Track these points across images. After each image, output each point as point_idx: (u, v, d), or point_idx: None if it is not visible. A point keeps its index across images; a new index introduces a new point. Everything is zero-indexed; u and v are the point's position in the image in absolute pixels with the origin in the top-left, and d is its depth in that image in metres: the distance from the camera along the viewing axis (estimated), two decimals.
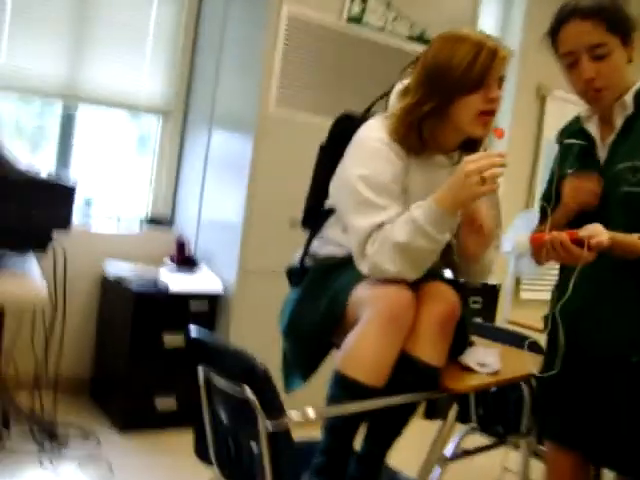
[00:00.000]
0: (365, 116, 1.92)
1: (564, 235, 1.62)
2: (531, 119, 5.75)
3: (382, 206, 1.74)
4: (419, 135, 1.77)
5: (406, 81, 1.86)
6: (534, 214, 4.57)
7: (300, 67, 3.30)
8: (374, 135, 1.79)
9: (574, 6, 1.76)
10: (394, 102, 1.86)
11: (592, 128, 1.86)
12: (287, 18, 3.22)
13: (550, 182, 1.99)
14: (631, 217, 1.72)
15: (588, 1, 1.76)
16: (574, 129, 1.94)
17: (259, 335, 2.79)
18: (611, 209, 1.75)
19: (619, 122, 1.79)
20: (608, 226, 1.67)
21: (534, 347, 2.08)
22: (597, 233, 1.60)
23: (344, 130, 1.90)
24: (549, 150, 5.75)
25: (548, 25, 1.82)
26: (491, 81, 1.74)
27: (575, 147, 1.91)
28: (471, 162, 1.65)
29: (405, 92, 1.83)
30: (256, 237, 3.27)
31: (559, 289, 1.92)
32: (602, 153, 1.83)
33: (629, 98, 1.78)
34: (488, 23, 5.49)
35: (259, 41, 3.25)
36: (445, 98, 1.74)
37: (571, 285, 1.70)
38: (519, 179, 5.72)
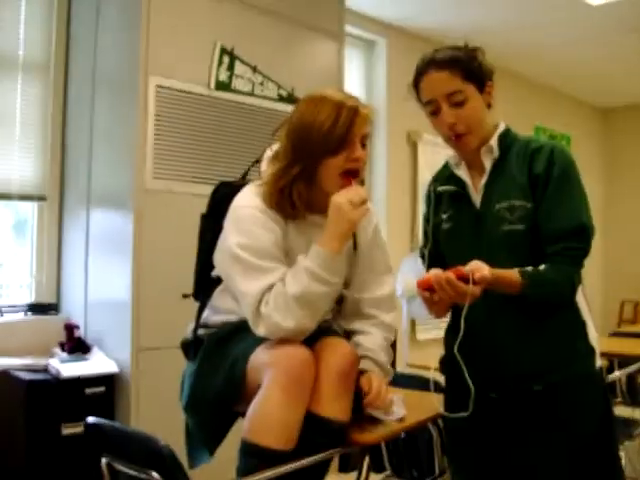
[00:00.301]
0: (242, 183, 1.94)
1: (449, 273, 1.67)
2: (405, 165, 5.93)
3: (268, 269, 1.76)
4: (291, 200, 1.81)
5: (275, 146, 1.90)
6: (419, 257, 4.67)
7: (174, 137, 3.30)
8: (248, 203, 1.82)
9: (431, 58, 1.87)
10: (265, 168, 1.90)
11: (462, 173, 1.94)
12: (156, 90, 3.22)
13: (426, 229, 2.07)
14: (513, 254, 1.81)
15: (444, 53, 1.86)
16: (445, 175, 2.02)
17: (161, 413, 2.73)
18: (493, 248, 1.82)
19: (488, 165, 1.89)
20: (493, 265, 1.73)
21: (437, 387, 2.11)
22: (479, 268, 1.66)
23: (223, 197, 1.92)
24: (425, 191, 5.93)
25: (410, 75, 1.91)
26: (354, 140, 1.81)
27: (448, 193, 1.98)
28: (337, 196, 1.77)
29: (275, 157, 1.87)
30: (148, 313, 3.20)
31: (452, 330, 1.96)
32: (476, 196, 1.90)
33: (494, 142, 1.88)
34: (354, 77, 5.66)
35: (130, 115, 3.24)
36: (311, 160, 1.79)
37: (462, 323, 1.75)
38: (401, 223, 5.86)
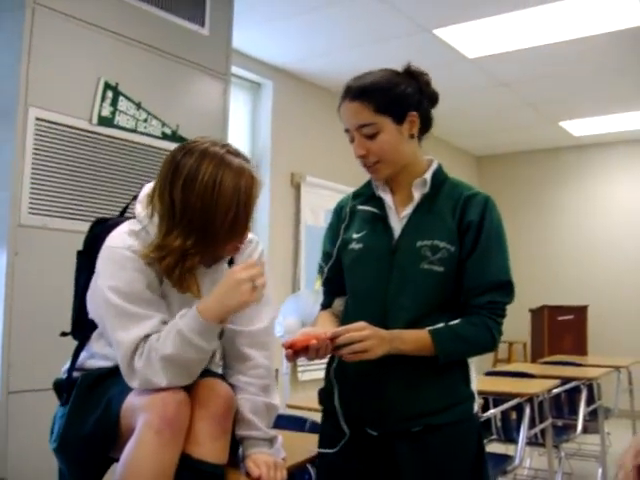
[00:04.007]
0: (119, 220, 1.87)
1: (328, 343, 1.67)
2: (288, 205, 5.99)
3: (143, 316, 1.69)
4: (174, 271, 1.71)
5: (151, 184, 1.81)
6: (301, 297, 4.69)
7: (52, 171, 3.20)
8: (121, 244, 1.73)
9: (348, 86, 1.84)
10: (140, 210, 1.79)
11: (387, 197, 1.91)
12: (35, 122, 3.12)
13: (331, 243, 2.02)
14: (422, 293, 1.80)
15: (360, 81, 1.83)
16: (367, 194, 1.98)
17: (34, 458, 2.59)
18: (403, 283, 1.81)
19: (417, 197, 1.86)
20: (399, 295, 1.77)
21: (316, 428, 2.11)
22: (359, 338, 1.66)
23: (99, 234, 1.83)
24: (308, 233, 6.01)
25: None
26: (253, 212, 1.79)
27: (366, 213, 1.95)
28: (241, 271, 1.67)
29: (160, 214, 1.73)
30: (20, 354, 3.05)
31: (337, 370, 1.96)
32: (396, 224, 1.87)
33: (429, 177, 1.86)
34: (239, 118, 5.69)
35: (6, 147, 3.12)
36: (211, 242, 1.72)
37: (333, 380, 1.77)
38: (284, 263, 5.89)
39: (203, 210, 1.67)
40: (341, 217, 2.02)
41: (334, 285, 2.02)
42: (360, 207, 1.97)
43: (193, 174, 1.68)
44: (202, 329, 1.65)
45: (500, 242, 1.84)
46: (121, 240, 1.74)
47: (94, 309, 1.82)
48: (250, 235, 1.92)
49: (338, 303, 2.01)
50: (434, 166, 1.92)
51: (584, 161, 8.57)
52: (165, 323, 1.72)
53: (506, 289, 1.81)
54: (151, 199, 1.75)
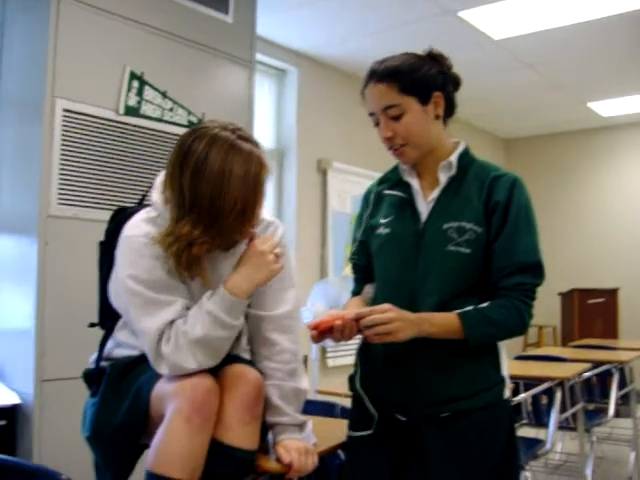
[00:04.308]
0: (138, 208, 1.88)
1: (353, 324, 1.67)
2: (315, 192, 5.98)
3: (165, 302, 1.71)
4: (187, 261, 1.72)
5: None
6: (329, 284, 4.70)
7: (80, 162, 3.23)
8: (138, 232, 1.74)
9: (373, 69, 1.84)
10: (156, 198, 1.81)
11: (413, 181, 1.90)
12: (62, 113, 3.15)
13: (359, 230, 2.02)
14: (450, 275, 1.79)
15: (385, 63, 1.83)
16: (393, 179, 1.97)
17: (66, 446, 2.63)
18: (431, 266, 1.80)
19: (444, 180, 1.86)
20: (426, 279, 1.76)
21: (345, 413, 2.11)
22: (383, 320, 1.65)
23: (120, 223, 1.84)
24: (335, 219, 6.00)
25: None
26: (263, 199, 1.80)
27: (393, 198, 1.94)
28: (262, 244, 1.73)
29: (171, 203, 1.75)
30: (52, 343, 3.10)
31: (363, 350, 1.97)
32: (423, 208, 1.87)
33: (454, 159, 1.86)
34: (265, 105, 5.69)
35: (35, 139, 3.15)
36: (221, 232, 1.73)
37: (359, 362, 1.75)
38: (311, 250, 5.89)
39: (212, 200, 1.67)
40: (368, 203, 2.02)
41: (364, 272, 2.02)
42: (387, 192, 1.97)
43: (202, 162, 1.68)
44: (231, 306, 1.69)
45: (528, 222, 1.81)
46: (138, 228, 1.76)
47: (116, 299, 1.83)
48: (270, 217, 1.93)
49: (368, 289, 2.00)
50: (460, 148, 1.90)
51: (613, 142, 8.46)
52: (188, 308, 1.74)
53: (536, 270, 1.79)
54: (171, 200, 1.76)
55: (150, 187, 1.88)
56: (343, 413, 2.35)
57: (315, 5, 4.89)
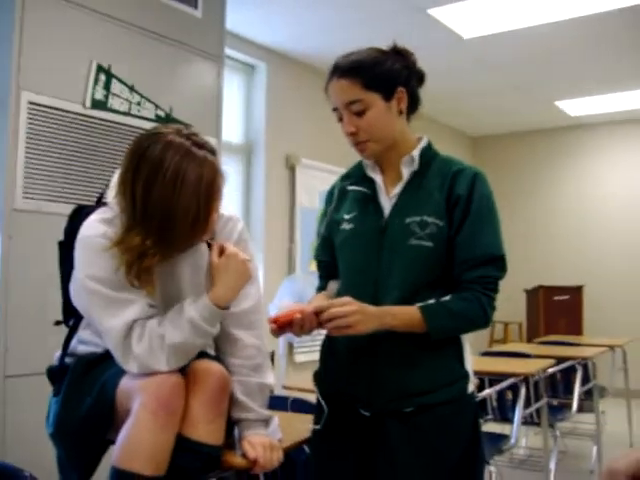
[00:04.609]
0: (97, 207, 1.84)
1: (313, 317, 1.67)
2: (283, 188, 5.98)
3: (127, 300, 1.69)
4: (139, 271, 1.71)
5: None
6: (297, 279, 4.70)
7: (46, 156, 3.19)
8: (95, 232, 1.72)
9: (336, 64, 1.83)
10: (112, 198, 1.79)
11: (376, 177, 1.90)
12: (28, 106, 3.11)
13: (323, 226, 2.03)
14: (412, 269, 1.78)
15: (348, 58, 1.82)
16: (357, 175, 1.97)
17: (31, 443, 2.60)
18: (394, 260, 1.80)
19: (406, 175, 1.85)
20: (389, 273, 1.77)
21: (313, 409, 2.11)
22: (343, 313, 1.65)
23: (78, 224, 1.80)
24: (303, 215, 6.01)
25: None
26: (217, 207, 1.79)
27: (356, 193, 1.94)
28: (238, 251, 1.76)
29: (121, 207, 1.73)
30: (16, 339, 3.06)
31: (326, 347, 1.97)
32: (386, 203, 1.87)
33: (416, 154, 1.85)
34: (233, 100, 5.66)
35: (0, 132, 3.11)
36: (173, 242, 1.72)
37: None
38: (279, 245, 5.89)
39: (164, 210, 1.65)
40: (332, 199, 2.02)
41: (328, 268, 2.02)
42: (350, 187, 1.97)
43: (156, 169, 1.66)
44: (213, 315, 1.70)
45: (490, 216, 1.82)
46: (94, 228, 1.74)
47: (77, 299, 1.81)
48: (229, 213, 1.93)
49: (332, 286, 2.00)
50: (423, 143, 1.91)
51: (580, 141, 8.57)
52: (151, 306, 1.73)
53: (498, 263, 1.79)
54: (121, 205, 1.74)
55: (107, 186, 1.85)
56: (310, 409, 2.35)
57: (284, 0, 4.88)
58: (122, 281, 1.69)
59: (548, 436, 4.12)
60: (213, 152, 1.75)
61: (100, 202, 1.89)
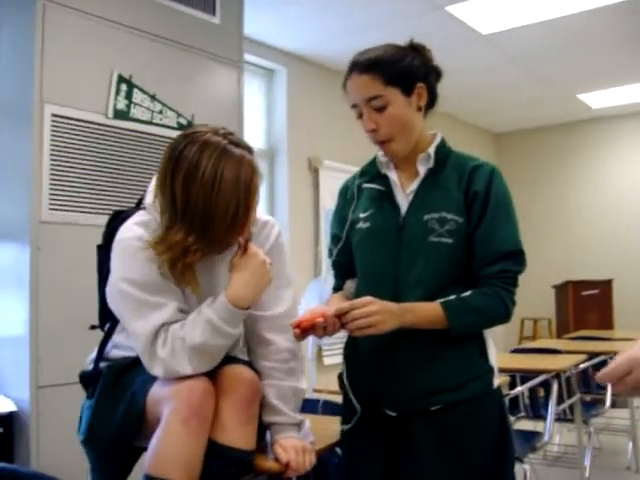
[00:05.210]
0: (135, 211, 1.87)
1: (335, 320, 1.66)
2: (307, 191, 5.98)
3: (158, 304, 1.70)
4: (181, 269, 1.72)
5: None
6: (323, 282, 4.69)
7: (71, 167, 3.22)
8: (131, 234, 1.74)
9: (355, 60, 1.83)
10: (149, 201, 1.81)
11: (392, 174, 1.90)
12: (51, 118, 3.14)
13: (338, 225, 2.02)
14: (433, 266, 1.78)
15: (367, 54, 1.82)
16: (372, 172, 1.97)
17: (63, 452, 2.62)
18: (414, 258, 1.79)
19: (422, 172, 1.85)
20: (410, 271, 1.76)
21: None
22: (365, 314, 1.64)
23: (116, 227, 1.83)
24: (327, 218, 6.00)
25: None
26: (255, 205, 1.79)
27: (372, 191, 1.94)
28: (260, 252, 1.75)
29: (161, 208, 1.74)
30: (47, 349, 3.08)
31: (349, 347, 1.97)
32: (402, 201, 1.87)
33: (432, 151, 1.85)
34: (254, 105, 5.68)
35: (25, 145, 3.14)
36: (212, 239, 1.72)
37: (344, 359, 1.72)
38: (304, 248, 5.90)
39: (204, 206, 1.66)
40: (347, 198, 2.02)
41: (344, 267, 2.01)
42: (366, 185, 1.97)
43: (194, 168, 1.67)
44: (232, 315, 1.69)
45: (507, 211, 1.82)
46: (130, 231, 1.75)
47: (112, 302, 1.82)
48: (266, 217, 1.93)
49: (349, 285, 2.00)
50: (437, 140, 1.90)
51: (604, 133, 8.48)
52: (182, 311, 1.74)
53: (517, 258, 1.79)
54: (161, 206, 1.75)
55: (146, 190, 1.87)
56: (341, 411, 2.35)
57: (302, 4, 4.89)
58: (156, 284, 1.71)
59: (582, 432, 4.08)
60: (250, 151, 1.76)
61: (139, 206, 1.91)
